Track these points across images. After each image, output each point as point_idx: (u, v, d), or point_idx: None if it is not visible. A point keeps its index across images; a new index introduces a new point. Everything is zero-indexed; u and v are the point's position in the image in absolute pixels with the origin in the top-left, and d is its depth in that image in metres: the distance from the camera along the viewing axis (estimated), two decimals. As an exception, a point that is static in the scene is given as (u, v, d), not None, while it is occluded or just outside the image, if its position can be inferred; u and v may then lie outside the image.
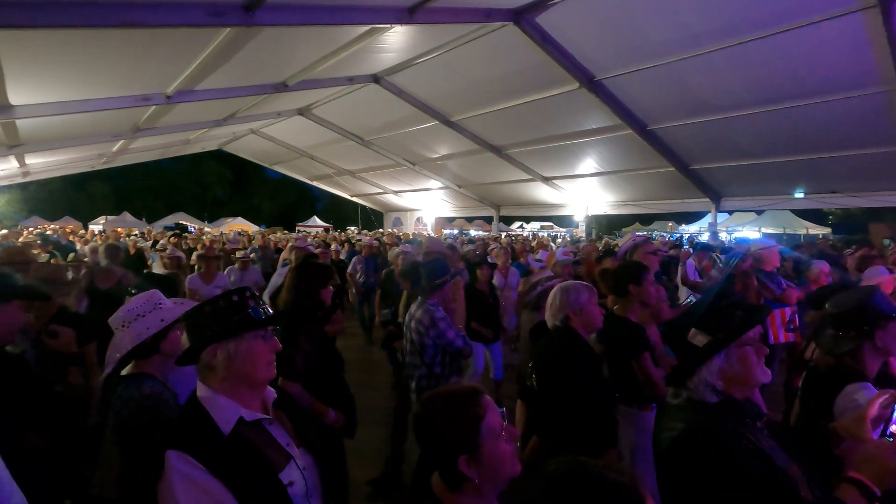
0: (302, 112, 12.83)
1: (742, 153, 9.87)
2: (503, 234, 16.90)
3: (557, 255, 4.12)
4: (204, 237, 15.53)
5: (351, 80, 9.74)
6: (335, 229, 28.43)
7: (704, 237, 13.13)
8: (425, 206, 20.47)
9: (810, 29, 6.09)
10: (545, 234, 23.25)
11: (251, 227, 25.74)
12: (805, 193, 10.97)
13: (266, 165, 21.35)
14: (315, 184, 22.18)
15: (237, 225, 26.49)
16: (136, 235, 15.82)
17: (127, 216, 25.94)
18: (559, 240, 17.73)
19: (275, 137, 16.00)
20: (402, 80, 9.92)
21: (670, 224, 23.82)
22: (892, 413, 1.45)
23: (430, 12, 6.27)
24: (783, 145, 9.16)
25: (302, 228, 28.61)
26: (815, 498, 1.39)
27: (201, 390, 1.40)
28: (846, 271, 4.92)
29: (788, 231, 18.64)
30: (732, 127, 8.95)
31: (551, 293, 2.68)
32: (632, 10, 6.57)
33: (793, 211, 17.29)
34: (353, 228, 25.29)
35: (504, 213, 18.58)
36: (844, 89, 7.14)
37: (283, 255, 6.77)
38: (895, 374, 2.19)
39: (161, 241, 11.57)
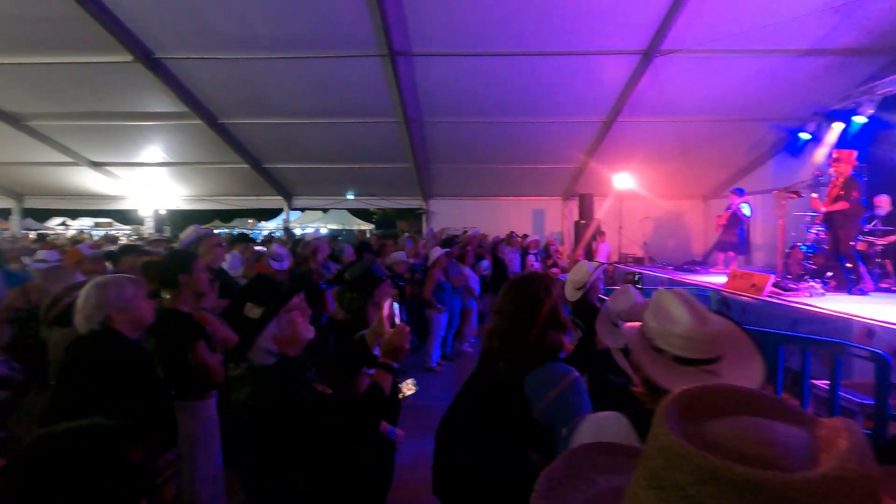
0: None
1: (308, 157, 11.17)
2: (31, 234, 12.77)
3: (82, 249, 3.50)
4: None
5: None
6: None
7: (279, 234, 14.28)
8: None
9: (344, 60, 7.47)
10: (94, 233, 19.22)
11: None
12: (355, 195, 13.55)
13: None
14: None
15: None
16: None
17: None
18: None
19: None
20: None
21: (251, 221, 24.23)
22: (393, 311, 2.07)
23: None
24: (338, 154, 10.96)
25: None
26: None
27: None
28: (376, 254, 6.40)
29: (347, 227, 22.51)
30: (299, 132, 10.01)
31: (82, 293, 2.26)
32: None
33: (349, 210, 20.98)
34: None
35: (31, 204, 14.06)
36: (373, 115, 9.19)
37: None
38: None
39: None
